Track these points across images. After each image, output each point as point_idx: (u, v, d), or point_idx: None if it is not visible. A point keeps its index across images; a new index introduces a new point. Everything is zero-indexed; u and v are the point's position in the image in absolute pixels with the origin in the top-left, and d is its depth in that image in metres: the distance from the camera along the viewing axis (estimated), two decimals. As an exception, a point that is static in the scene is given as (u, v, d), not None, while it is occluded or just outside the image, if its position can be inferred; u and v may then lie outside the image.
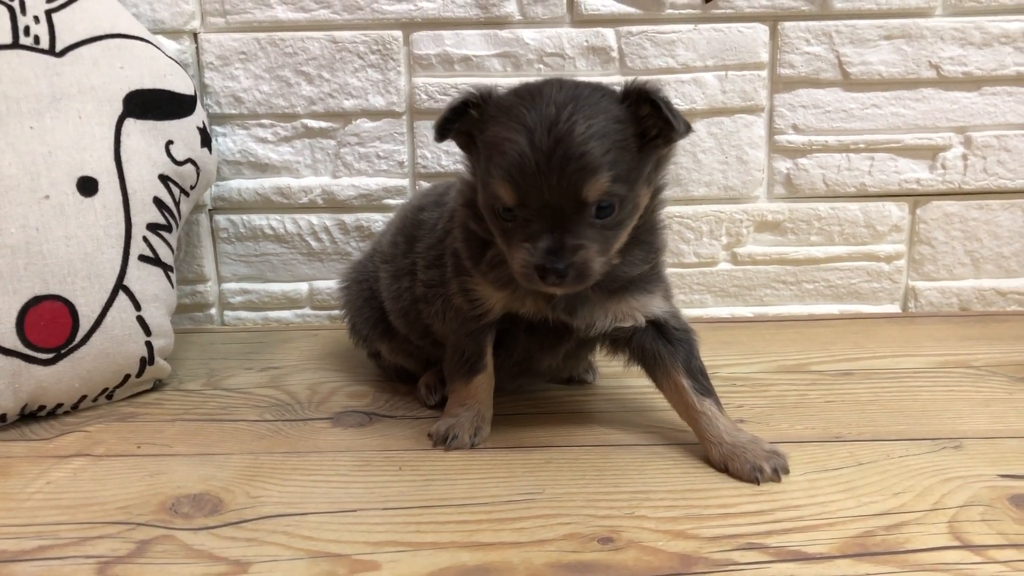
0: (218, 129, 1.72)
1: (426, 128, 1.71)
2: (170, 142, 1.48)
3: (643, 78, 1.10)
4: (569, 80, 1.12)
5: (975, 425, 1.24)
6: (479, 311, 1.21)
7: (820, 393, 1.37)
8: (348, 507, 1.05)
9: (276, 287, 1.80)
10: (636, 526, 0.99)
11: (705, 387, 1.18)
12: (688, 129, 1.08)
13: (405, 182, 1.74)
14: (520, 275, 1.07)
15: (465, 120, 1.13)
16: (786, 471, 1.10)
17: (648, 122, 1.09)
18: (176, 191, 1.48)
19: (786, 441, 1.18)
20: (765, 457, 1.11)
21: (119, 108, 1.42)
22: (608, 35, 1.67)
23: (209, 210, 1.75)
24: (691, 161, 1.72)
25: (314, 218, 1.76)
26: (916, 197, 1.75)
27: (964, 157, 1.72)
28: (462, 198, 1.20)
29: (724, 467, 1.12)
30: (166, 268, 1.44)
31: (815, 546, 0.94)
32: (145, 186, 1.42)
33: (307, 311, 1.81)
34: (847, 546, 0.94)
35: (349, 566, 0.93)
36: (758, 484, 1.08)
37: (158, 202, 1.43)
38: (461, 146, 1.18)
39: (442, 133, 1.13)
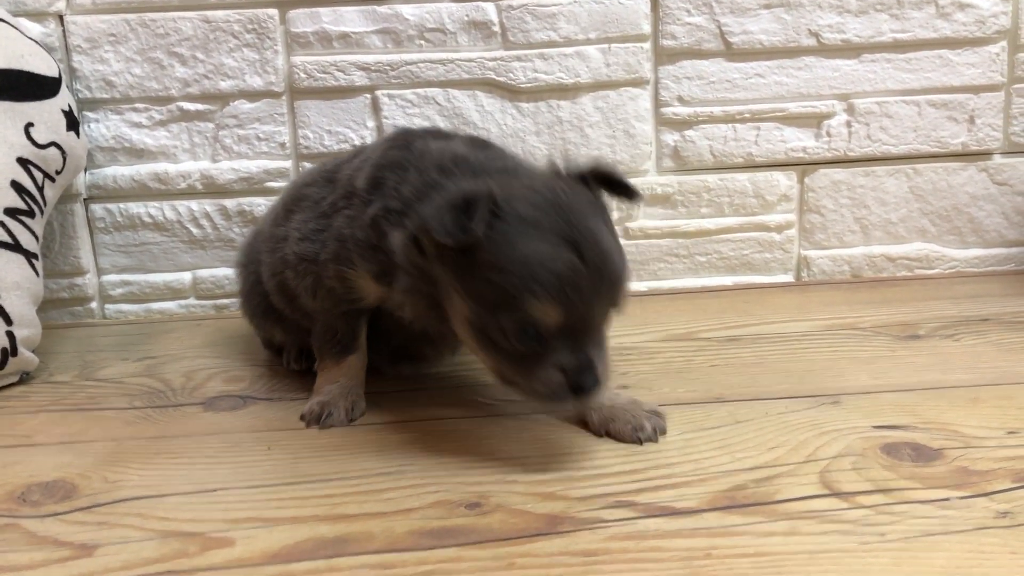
0: (90, 115, 1.65)
1: (306, 108, 1.66)
2: (30, 124, 1.41)
3: (591, 159, 1.11)
4: (551, 169, 1.10)
5: (856, 382, 1.24)
6: (354, 296, 1.16)
7: (706, 358, 1.37)
8: (209, 487, 1.00)
9: (158, 277, 1.73)
10: (506, 490, 0.96)
11: None
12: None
13: (287, 164, 1.69)
14: (546, 397, 0.98)
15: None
16: (663, 431, 1.08)
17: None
18: (39, 175, 1.41)
19: (667, 404, 1.16)
20: (646, 416, 1.09)
21: (-31, 88, 1.35)
22: (488, 9, 1.63)
23: (84, 199, 1.68)
24: (579, 136, 1.71)
25: (194, 204, 1.70)
26: (804, 166, 1.75)
27: (848, 124, 1.73)
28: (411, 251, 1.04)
29: (604, 431, 1.10)
30: (29, 255, 1.37)
31: (684, 501, 0.92)
32: (1, 169, 1.35)
33: (192, 301, 1.75)
34: (716, 499, 0.92)
35: (202, 544, 0.88)
36: (640, 444, 1.06)
37: (16, 186, 1.36)
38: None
39: (461, 231, 0.93)
